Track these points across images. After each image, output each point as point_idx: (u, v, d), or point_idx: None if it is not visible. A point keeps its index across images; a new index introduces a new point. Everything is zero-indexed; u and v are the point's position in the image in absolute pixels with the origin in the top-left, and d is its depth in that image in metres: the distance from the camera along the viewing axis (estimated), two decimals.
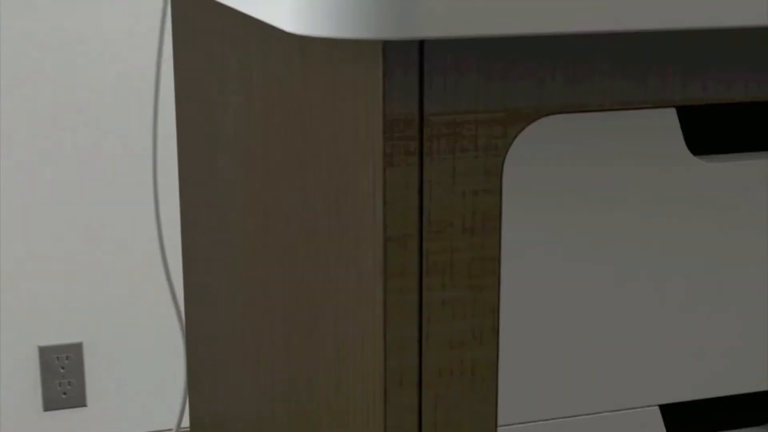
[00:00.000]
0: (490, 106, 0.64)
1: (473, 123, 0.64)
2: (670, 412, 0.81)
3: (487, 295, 0.66)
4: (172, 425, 2.28)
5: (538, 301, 0.68)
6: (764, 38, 0.69)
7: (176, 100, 1.21)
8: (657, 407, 0.72)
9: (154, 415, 2.26)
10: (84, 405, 2.19)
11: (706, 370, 0.72)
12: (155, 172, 1.41)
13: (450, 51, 0.63)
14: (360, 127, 0.66)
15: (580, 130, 0.66)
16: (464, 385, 0.67)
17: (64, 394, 2.16)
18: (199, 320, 1.20)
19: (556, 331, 0.68)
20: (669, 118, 0.68)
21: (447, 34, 0.58)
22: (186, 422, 2.27)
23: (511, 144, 0.65)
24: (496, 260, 0.66)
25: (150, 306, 2.22)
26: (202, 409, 1.23)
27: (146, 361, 2.24)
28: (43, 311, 2.15)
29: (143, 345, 2.23)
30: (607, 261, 0.69)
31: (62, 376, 2.16)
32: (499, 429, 0.69)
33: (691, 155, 0.69)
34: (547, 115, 0.65)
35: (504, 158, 0.65)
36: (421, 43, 0.62)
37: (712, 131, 0.80)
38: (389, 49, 0.61)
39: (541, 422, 0.69)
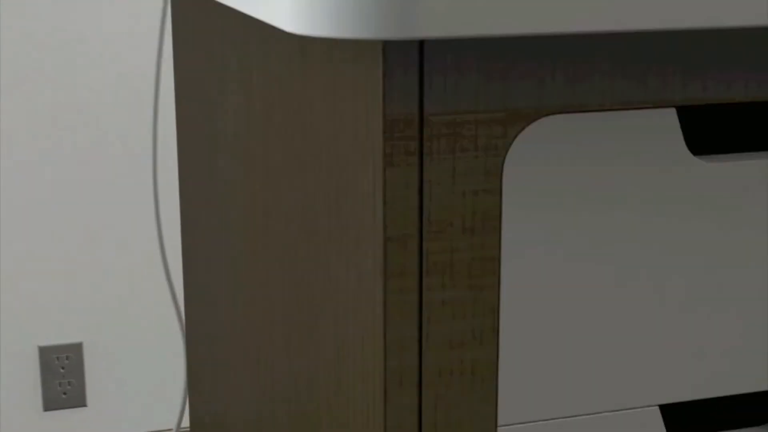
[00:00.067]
0: (490, 106, 0.64)
1: (473, 123, 0.64)
2: (670, 412, 0.81)
3: (487, 295, 0.66)
4: (173, 425, 2.28)
5: (538, 300, 0.68)
6: (764, 38, 0.69)
7: (176, 99, 1.21)
8: (657, 407, 0.72)
9: (155, 415, 2.26)
10: (84, 405, 2.19)
11: (706, 370, 0.72)
12: (155, 172, 1.41)
13: (450, 51, 0.63)
14: (360, 127, 0.66)
15: (580, 130, 0.66)
16: (464, 385, 0.67)
17: (64, 394, 2.16)
18: (199, 320, 1.20)
19: (556, 331, 0.68)
20: (669, 118, 0.68)
21: (447, 34, 0.58)
22: (186, 422, 2.27)
23: (511, 144, 0.65)
24: (496, 260, 0.66)
25: (150, 306, 2.21)
26: (202, 409, 1.23)
27: (146, 361, 2.23)
28: (43, 311, 2.15)
29: (143, 345, 2.22)
30: (607, 261, 0.69)
31: (62, 376, 2.15)
32: (499, 429, 0.69)
33: (691, 155, 0.69)
34: (547, 115, 0.65)
35: (504, 158, 0.65)
36: (421, 43, 0.62)
37: (712, 131, 0.80)
38: (389, 49, 0.61)
39: (541, 422, 0.69)
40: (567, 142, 0.66)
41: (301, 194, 0.78)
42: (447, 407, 0.67)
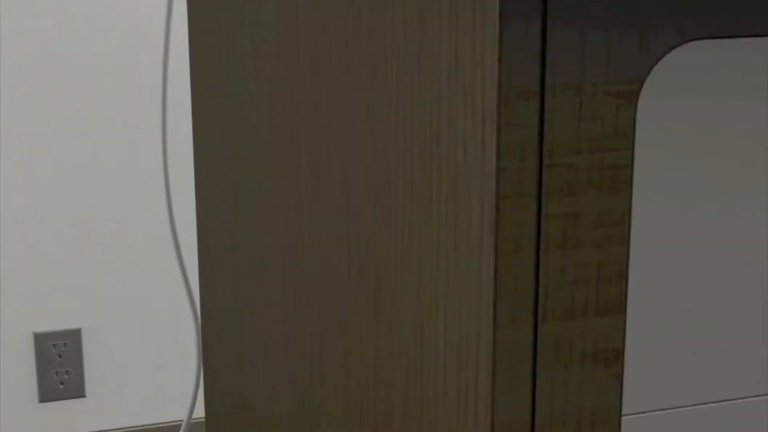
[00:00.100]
0: (623, 35, 0.53)
1: (603, 55, 0.53)
2: None
3: (613, 260, 0.55)
4: (177, 417, 2.21)
5: (670, 268, 0.57)
6: None
7: (190, 50, 1.10)
8: None
9: (158, 407, 2.19)
10: (83, 396, 2.14)
11: None
12: (164, 143, 1.30)
13: None
14: (463, 58, 0.54)
15: (726, 59, 0.55)
16: (585, 366, 0.56)
17: (62, 384, 2.12)
18: (217, 301, 1.10)
19: (691, 303, 0.57)
20: None
21: None
22: (197, 413, 2.21)
23: (647, 77, 0.54)
24: (626, 223, 0.55)
25: (154, 288, 2.14)
26: (220, 398, 1.13)
27: (150, 348, 2.17)
28: (39, 295, 2.09)
29: (146, 331, 2.16)
30: (757, 224, 0.58)
31: (59, 365, 2.11)
32: (623, 419, 0.58)
33: None
34: (690, 41, 0.54)
35: (638, 96, 0.54)
36: None
37: None
38: None
39: (670, 410, 0.58)
40: (711, 73, 0.55)
41: (369, 145, 0.67)
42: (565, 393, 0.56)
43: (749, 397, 0.60)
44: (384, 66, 0.64)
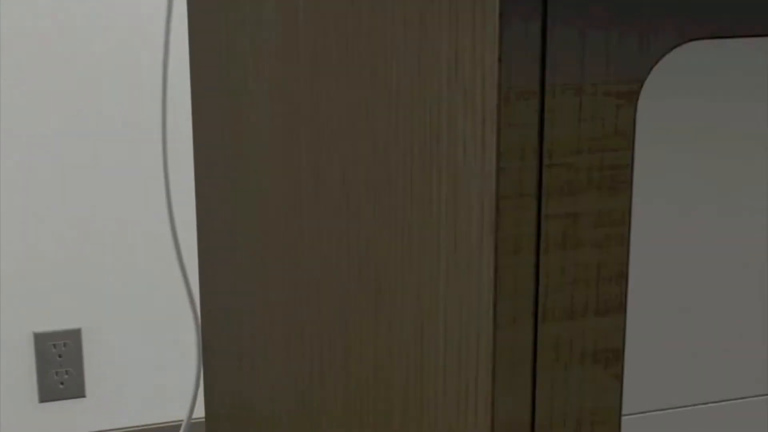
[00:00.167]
0: (623, 35, 0.53)
1: (603, 55, 0.53)
2: None
3: (613, 260, 0.55)
4: (177, 417, 2.21)
5: (670, 268, 0.57)
6: None
7: (190, 50, 1.10)
8: None
9: (158, 407, 2.19)
10: (83, 396, 2.14)
11: None
12: (165, 139, 1.30)
13: None
14: (463, 58, 0.54)
15: (726, 59, 0.55)
16: (585, 366, 0.55)
17: (61, 384, 2.11)
18: (217, 301, 1.10)
19: (691, 303, 0.57)
20: None
21: None
22: (197, 413, 2.20)
23: (647, 76, 0.54)
24: (626, 222, 0.55)
25: (154, 288, 2.14)
26: (221, 398, 1.13)
27: (150, 348, 2.16)
28: (39, 294, 2.08)
29: (147, 330, 2.15)
30: (757, 224, 0.58)
31: (59, 365, 2.10)
32: (623, 419, 0.58)
33: None
34: (690, 41, 0.54)
35: (638, 96, 0.54)
36: None
37: None
38: None
39: (670, 410, 0.58)
40: (711, 73, 0.55)
41: (369, 143, 0.67)
42: (565, 392, 0.56)
43: (749, 397, 0.60)
44: (384, 66, 0.64)
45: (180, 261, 1.34)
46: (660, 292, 0.57)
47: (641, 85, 0.54)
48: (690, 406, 0.59)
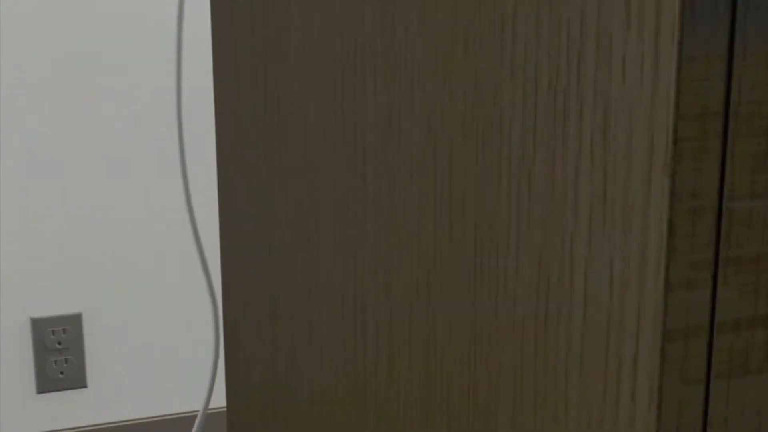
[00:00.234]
0: None
1: None
2: None
3: None
4: (186, 408, 2.16)
5: None
6: None
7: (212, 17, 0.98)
8: None
9: (165, 398, 2.16)
10: (84, 386, 2.13)
11: None
12: (180, 110, 1.18)
13: None
14: None
15: None
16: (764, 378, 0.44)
17: (61, 373, 2.10)
18: (242, 286, 0.99)
19: None
20: None
21: None
22: (214, 402, 2.19)
23: None
24: None
25: (161, 269, 2.12)
26: (246, 389, 1.03)
27: (155, 334, 2.13)
28: (36, 278, 2.06)
29: (151, 315, 2.12)
30: None
31: (58, 353, 2.10)
32: None
33: None
34: None
35: None
36: None
37: None
38: None
39: None
40: None
41: (470, 84, 0.55)
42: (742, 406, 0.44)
43: None
44: None
45: (198, 242, 1.23)
46: None
47: None
48: None
